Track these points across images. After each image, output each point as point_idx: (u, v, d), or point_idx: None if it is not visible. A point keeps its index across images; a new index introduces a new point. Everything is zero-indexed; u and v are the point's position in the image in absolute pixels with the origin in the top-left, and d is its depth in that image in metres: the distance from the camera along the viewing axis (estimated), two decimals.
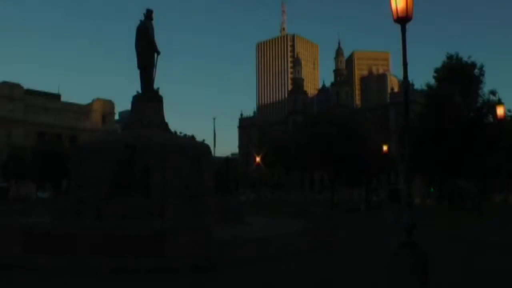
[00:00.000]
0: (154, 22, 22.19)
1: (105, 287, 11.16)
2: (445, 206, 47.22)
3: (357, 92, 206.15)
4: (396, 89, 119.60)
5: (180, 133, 22.55)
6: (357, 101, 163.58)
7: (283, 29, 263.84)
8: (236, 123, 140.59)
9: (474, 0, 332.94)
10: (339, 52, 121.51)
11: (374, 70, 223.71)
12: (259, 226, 21.35)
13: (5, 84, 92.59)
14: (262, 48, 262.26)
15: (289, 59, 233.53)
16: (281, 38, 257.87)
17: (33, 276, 12.41)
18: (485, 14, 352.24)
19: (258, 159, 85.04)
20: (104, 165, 18.94)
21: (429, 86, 42.33)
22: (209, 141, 24.78)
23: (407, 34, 8.14)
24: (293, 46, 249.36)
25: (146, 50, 21.69)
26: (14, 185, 79.54)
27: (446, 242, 21.46)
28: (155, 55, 21.96)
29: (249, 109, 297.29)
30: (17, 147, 78.94)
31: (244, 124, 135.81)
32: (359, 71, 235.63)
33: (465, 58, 40.47)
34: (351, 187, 79.42)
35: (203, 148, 22.10)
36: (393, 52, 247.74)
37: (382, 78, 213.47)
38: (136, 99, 22.24)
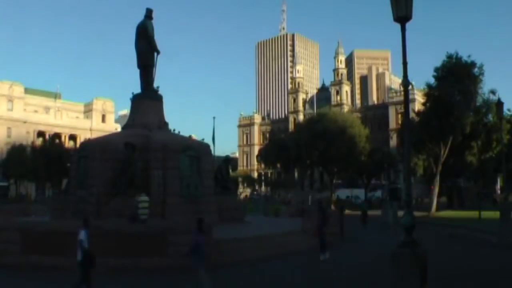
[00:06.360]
0: (154, 22, 22.21)
1: (105, 287, 11.15)
2: (444, 205, 47.24)
3: (357, 91, 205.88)
4: (396, 88, 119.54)
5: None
6: (357, 100, 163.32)
7: (283, 28, 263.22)
8: (235, 122, 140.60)
9: (474, 0, 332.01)
10: (338, 51, 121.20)
11: (374, 69, 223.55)
12: (258, 225, 21.38)
13: (5, 83, 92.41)
14: (261, 47, 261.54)
15: (289, 58, 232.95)
16: (280, 37, 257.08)
17: (33, 276, 12.42)
18: (485, 14, 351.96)
19: (257, 158, 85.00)
20: (104, 164, 18.92)
21: (429, 85, 42.14)
22: (208, 140, 24.73)
23: (407, 33, 8.13)
24: (292, 45, 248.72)
25: (146, 49, 21.67)
26: (14, 184, 79.58)
27: (445, 241, 21.49)
28: (155, 54, 21.93)
29: (249, 108, 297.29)
30: (16, 146, 78.66)
31: (244, 123, 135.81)
32: (359, 70, 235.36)
33: (465, 57, 40.28)
34: (351, 186, 79.56)
35: (203, 148, 22.07)
36: (393, 51, 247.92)
37: (382, 77, 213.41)
38: (136, 98, 22.23)
